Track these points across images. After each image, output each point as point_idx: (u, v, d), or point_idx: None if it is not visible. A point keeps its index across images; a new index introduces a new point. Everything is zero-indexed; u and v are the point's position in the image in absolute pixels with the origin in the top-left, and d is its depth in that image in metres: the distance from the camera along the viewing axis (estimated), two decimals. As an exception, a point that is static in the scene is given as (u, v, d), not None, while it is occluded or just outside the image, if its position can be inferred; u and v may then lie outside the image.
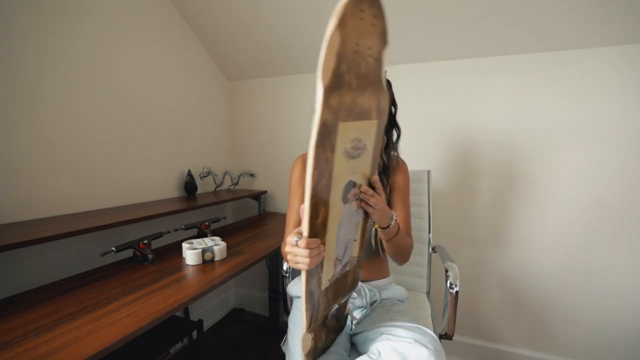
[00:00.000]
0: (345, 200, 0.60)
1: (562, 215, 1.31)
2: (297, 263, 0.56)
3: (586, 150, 1.25)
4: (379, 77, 0.57)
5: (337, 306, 0.72)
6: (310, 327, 0.62)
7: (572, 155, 1.27)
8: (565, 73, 1.25)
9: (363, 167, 0.62)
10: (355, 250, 0.70)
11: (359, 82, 0.51)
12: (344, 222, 0.61)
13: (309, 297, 0.58)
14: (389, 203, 0.93)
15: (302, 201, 0.91)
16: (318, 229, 0.55)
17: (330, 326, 0.73)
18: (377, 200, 0.65)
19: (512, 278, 1.40)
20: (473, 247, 1.45)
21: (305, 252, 0.54)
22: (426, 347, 0.65)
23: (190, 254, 1.00)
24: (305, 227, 0.53)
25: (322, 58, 0.44)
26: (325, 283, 0.62)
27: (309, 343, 0.66)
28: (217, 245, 1.05)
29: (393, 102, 0.90)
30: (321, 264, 0.58)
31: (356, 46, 0.48)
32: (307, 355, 0.66)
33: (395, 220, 0.74)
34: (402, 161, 0.95)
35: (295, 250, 0.55)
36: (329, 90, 0.45)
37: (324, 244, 0.57)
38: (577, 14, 1.11)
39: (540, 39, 1.23)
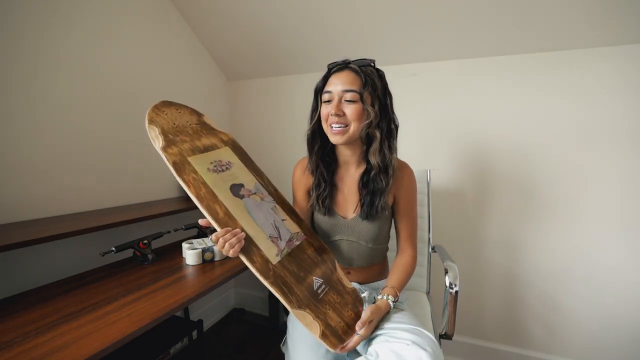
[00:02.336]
0: (239, 196, 0.73)
1: (563, 216, 1.31)
2: (227, 252, 0.63)
3: (588, 151, 1.25)
4: (210, 127, 0.85)
5: (319, 280, 0.74)
6: (293, 302, 0.66)
7: (573, 156, 1.27)
8: (568, 73, 1.25)
9: (240, 175, 0.78)
10: (292, 227, 0.79)
11: (191, 137, 0.75)
12: (253, 210, 0.73)
13: (264, 273, 0.65)
14: (394, 213, 0.90)
15: (300, 199, 0.92)
16: (225, 221, 0.66)
17: (332, 301, 0.73)
18: (363, 336, 0.70)
19: (512, 278, 1.40)
20: (473, 246, 1.45)
21: (220, 241, 0.62)
22: (424, 349, 0.64)
23: (190, 254, 1.00)
24: (213, 224, 0.65)
25: (150, 136, 0.68)
26: (274, 258, 0.69)
27: (315, 323, 0.66)
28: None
29: (387, 92, 0.82)
30: (254, 245, 0.67)
31: (174, 124, 0.74)
32: (322, 336, 0.66)
33: (393, 301, 0.77)
34: (406, 167, 0.89)
35: (218, 245, 0.63)
36: (165, 148, 0.67)
37: (239, 228, 0.66)
38: (582, 13, 1.11)
39: (542, 38, 1.22)
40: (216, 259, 1.04)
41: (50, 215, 1.05)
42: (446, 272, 0.92)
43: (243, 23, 1.49)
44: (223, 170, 0.75)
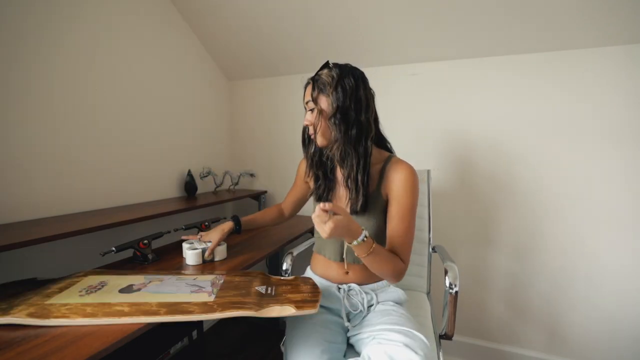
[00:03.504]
0: (135, 291, 0.76)
1: (563, 216, 1.30)
2: None
3: (588, 151, 1.25)
4: None
5: (262, 287, 0.79)
6: (253, 308, 0.66)
7: (572, 156, 1.27)
8: (566, 73, 1.25)
9: (123, 282, 0.79)
10: (206, 277, 0.85)
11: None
12: (160, 289, 0.77)
13: (209, 310, 0.66)
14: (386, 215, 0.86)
15: (298, 186, 1.05)
16: (134, 311, 0.66)
17: (286, 290, 0.78)
18: (328, 225, 0.64)
19: (512, 278, 1.40)
20: (473, 247, 1.45)
21: None
22: (416, 352, 0.65)
23: (190, 254, 1.00)
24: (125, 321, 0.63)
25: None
26: (209, 298, 0.71)
27: (285, 307, 0.68)
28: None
29: (343, 82, 0.80)
30: (182, 305, 0.68)
31: None
32: (299, 309, 0.68)
33: (365, 238, 0.68)
34: (402, 165, 0.82)
35: None
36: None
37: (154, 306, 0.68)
38: (580, 13, 1.11)
39: (542, 38, 1.23)
40: (216, 259, 1.04)
41: (51, 215, 1.05)
42: (446, 272, 0.92)
43: (243, 23, 1.49)
44: (99, 289, 0.74)
